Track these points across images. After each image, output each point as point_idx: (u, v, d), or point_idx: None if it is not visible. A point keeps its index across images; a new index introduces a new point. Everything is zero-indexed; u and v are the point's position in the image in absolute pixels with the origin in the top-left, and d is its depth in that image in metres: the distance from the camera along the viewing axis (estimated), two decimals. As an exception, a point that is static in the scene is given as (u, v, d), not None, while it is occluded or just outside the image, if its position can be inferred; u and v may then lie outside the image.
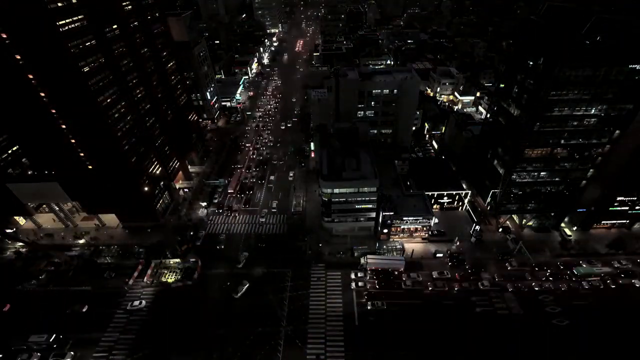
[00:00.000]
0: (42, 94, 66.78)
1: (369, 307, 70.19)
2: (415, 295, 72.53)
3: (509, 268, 78.22)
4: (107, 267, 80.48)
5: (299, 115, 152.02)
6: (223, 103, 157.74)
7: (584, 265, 77.81)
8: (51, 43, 60.65)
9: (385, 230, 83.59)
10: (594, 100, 67.65)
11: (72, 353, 63.36)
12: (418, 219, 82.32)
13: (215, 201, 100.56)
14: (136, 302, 72.09)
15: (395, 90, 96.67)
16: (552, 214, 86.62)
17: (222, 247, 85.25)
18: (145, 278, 76.86)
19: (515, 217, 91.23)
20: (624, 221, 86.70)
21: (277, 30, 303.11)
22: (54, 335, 65.12)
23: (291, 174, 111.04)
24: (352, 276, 76.91)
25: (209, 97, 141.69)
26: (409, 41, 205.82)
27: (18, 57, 61.83)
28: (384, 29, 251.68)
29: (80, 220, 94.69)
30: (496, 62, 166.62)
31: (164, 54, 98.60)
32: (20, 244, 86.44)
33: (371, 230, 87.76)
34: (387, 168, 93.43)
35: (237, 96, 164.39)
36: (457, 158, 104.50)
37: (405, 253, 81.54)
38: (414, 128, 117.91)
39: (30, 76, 64.44)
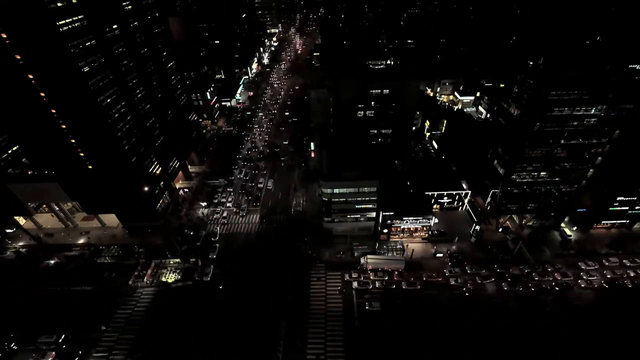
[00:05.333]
0: (42, 94, 66.74)
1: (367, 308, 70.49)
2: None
3: None
4: (107, 267, 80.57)
5: (297, 115, 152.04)
6: (223, 103, 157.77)
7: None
8: (51, 43, 60.62)
9: (385, 230, 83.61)
10: (594, 100, 67.66)
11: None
12: (418, 219, 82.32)
13: (215, 201, 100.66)
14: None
15: (395, 90, 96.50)
16: (552, 214, 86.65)
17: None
18: (145, 278, 76.87)
19: (515, 217, 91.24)
20: (624, 221, 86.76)
21: (277, 30, 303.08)
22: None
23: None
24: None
25: (209, 97, 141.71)
26: (409, 41, 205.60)
27: (18, 57, 61.81)
28: (384, 29, 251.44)
29: (80, 220, 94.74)
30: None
31: (164, 54, 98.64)
32: (20, 244, 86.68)
33: (371, 230, 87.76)
34: (387, 168, 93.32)
35: (237, 96, 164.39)
36: (457, 158, 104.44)
37: (405, 253, 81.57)
38: (414, 128, 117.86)
39: (31, 76, 64.42)
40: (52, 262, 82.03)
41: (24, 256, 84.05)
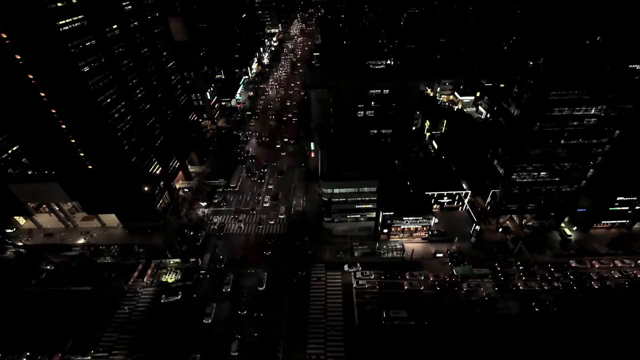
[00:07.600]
0: (43, 94, 66.75)
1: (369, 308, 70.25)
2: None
3: None
4: (107, 267, 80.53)
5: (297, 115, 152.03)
6: (223, 103, 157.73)
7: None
8: (51, 43, 60.62)
9: (385, 230, 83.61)
10: (594, 100, 67.65)
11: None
12: (418, 219, 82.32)
13: (215, 201, 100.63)
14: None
15: (395, 90, 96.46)
16: (552, 214, 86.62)
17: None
18: (145, 278, 76.89)
19: (515, 217, 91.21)
20: (624, 221, 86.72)
21: (277, 30, 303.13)
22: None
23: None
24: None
25: (209, 97, 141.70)
26: (409, 41, 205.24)
27: (18, 57, 61.80)
28: (384, 29, 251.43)
29: (80, 220, 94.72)
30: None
31: (164, 54, 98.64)
32: (20, 244, 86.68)
33: (371, 230, 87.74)
34: (387, 168, 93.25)
35: (237, 96, 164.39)
36: (457, 158, 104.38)
37: (405, 253, 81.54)
38: (414, 128, 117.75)
39: (31, 76, 64.41)
40: (52, 261, 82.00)
41: (23, 256, 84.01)
